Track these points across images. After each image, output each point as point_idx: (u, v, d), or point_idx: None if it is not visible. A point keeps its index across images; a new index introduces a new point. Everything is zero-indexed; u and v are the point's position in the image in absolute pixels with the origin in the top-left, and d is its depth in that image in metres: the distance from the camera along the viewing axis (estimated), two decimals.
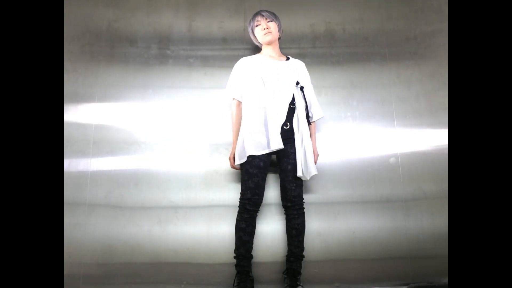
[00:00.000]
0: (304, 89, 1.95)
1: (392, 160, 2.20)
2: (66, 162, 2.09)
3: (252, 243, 1.81)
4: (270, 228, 2.02)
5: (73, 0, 2.35)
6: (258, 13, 2.03)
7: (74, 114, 2.18)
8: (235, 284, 1.74)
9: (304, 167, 1.80)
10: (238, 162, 1.87)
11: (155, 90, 2.25)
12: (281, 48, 2.11)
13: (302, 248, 1.83)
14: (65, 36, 2.26)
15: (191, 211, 2.06)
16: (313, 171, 1.80)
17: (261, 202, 1.83)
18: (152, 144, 2.15)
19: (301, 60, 2.11)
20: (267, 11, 2.03)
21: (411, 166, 2.19)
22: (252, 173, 1.79)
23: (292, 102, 1.89)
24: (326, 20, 2.43)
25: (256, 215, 1.83)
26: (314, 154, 1.91)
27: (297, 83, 1.93)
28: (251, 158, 1.80)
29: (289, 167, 1.83)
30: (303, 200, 1.86)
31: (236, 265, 1.78)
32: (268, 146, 1.79)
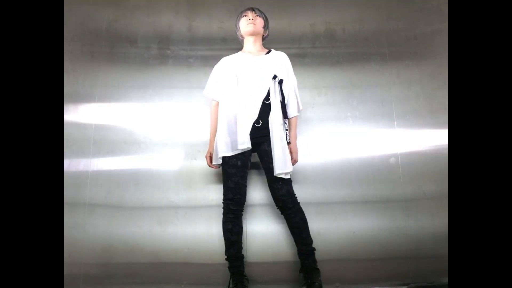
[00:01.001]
0: (282, 83, 1.87)
1: (392, 160, 2.20)
2: (66, 162, 2.09)
3: (241, 243, 1.80)
4: (264, 229, 2.02)
5: (73, 0, 2.36)
6: (248, 8, 2.03)
7: (74, 114, 2.18)
8: (231, 286, 1.72)
9: (282, 164, 1.72)
10: (214, 162, 1.89)
11: (155, 90, 2.25)
12: (281, 48, 2.09)
13: (309, 243, 1.79)
14: (65, 36, 2.26)
15: (191, 211, 2.06)
16: (286, 168, 1.72)
17: (244, 201, 1.81)
18: (152, 144, 2.15)
19: (301, 60, 2.10)
20: (258, 9, 2.04)
21: (411, 166, 2.19)
22: (231, 173, 1.77)
23: (267, 98, 1.83)
24: (326, 20, 2.43)
25: (241, 214, 1.81)
26: (292, 151, 1.83)
27: (275, 76, 1.86)
28: (227, 158, 1.79)
29: (271, 166, 1.76)
30: (295, 196, 1.80)
31: (230, 267, 1.77)
32: (235, 147, 1.77)
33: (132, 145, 2.15)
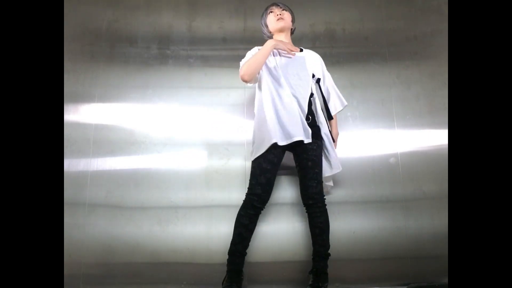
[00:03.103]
0: (320, 82, 1.92)
1: (392, 160, 2.20)
2: (66, 162, 2.09)
3: (249, 241, 1.76)
4: (264, 229, 2.01)
5: (73, 0, 2.36)
6: (272, 4, 2.00)
7: (74, 114, 2.18)
8: (225, 283, 1.66)
9: (328, 164, 1.83)
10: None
11: (155, 90, 2.25)
12: None
13: (328, 247, 1.77)
14: (65, 36, 2.26)
15: (191, 211, 2.06)
16: (339, 167, 1.83)
17: (268, 200, 1.77)
18: (152, 144, 2.15)
19: None
20: (283, 3, 2.00)
21: (411, 166, 2.19)
22: (266, 169, 1.72)
23: (312, 95, 1.86)
24: (326, 20, 2.43)
25: (260, 213, 1.77)
26: (334, 141, 1.93)
27: (313, 75, 1.90)
28: (265, 153, 1.72)
29: (310, 163, 1.76)
30: (324, 197, 1.81)
31: (230, 263, 1.70)
32: (291, 137, 1.70)
33: (132, 145, 2.15)
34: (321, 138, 1.84)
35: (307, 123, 1.78)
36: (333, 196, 2.10)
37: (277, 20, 1.93)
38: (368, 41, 2.40)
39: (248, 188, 1.76)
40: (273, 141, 1.69)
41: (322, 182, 1.81)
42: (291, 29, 2.03)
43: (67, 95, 2.17)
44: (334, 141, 1.93)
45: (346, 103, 2.01)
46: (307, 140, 1.74)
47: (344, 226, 2.06)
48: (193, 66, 2.30)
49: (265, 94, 1.81)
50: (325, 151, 1.85)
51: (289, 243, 2.01)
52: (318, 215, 1.76)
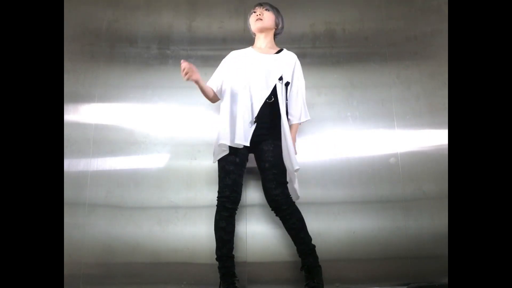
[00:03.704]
0: (288, 86, 1.87)
1: (392, 160, 2.20)
2: (66, 162, 2.09)
3: (233, 243, 1.76)
4: (264, 229, 2.01)
5: (73, 0, 2.36)
6: (256, 4, 2.00)
7: (74, 114, 2.18)
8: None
9: (290, 163, 1.73)
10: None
11: (155, 90, 2.25)
12: None
13: (308, 242, 1.75)
14: (65, 36, 2.25)
15: (191, 211, 2.06)
16: (295, 165, 1.72)
17: (240, 199, 1.78)
18: (152, 144, 2.15)
19: (301, 60, 2.08)
20: (267, 3, 1.99)
21: (411, 166, 2.19)
22: (229, 170, 1.74)
23: (270, 97, 1.81)
24: (326, 20, 2.43)
25: (235, 213, 1.77)
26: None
27: (281, 78, 1.85)
28: (225, 155, 1.74)
29: (266, 165, 1.76)
30: (290, 197, 1.77)
31: (221, 267, 1.70)
32: (233, 141, 1.71)
33: (132, 145, 2.15)
34: (279, 139, 1.78)
35: (256, 125, 1.76)
36: (333, 196, 2.10)
37: (255, 21, 1.94)
38: (368, 41, 2.40)
39: (217, 191, 1.77)
40: (221, 141, 1.72)
41: (283, 183, 1.77)
42: (275, 31, 2.00)
43: (67, 95, 2.17)
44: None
45: (309, 117, 1.93)
46: (245, 143, 1.72)
47: (344, 226, 2.06)
48: None
49: (224, 98, 1.85)
50: (285, 150, 1.75)
51: (288, 243, 2.00)
52: (287, 217, 1.74)
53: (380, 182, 2.15)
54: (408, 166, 2.18)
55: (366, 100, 2.29)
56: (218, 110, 2.21)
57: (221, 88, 1.90)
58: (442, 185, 2.13)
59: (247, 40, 2.27)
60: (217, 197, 1.77)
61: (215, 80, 1.93)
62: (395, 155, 2.21)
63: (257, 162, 1.85)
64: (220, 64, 1.99)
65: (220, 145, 1.74)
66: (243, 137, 1.71)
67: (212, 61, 2.30)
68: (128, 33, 2.35)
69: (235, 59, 1.95)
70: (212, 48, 2.34)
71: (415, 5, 2.49)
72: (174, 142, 2.17)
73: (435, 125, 2.26)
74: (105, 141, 2.15)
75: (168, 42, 2.34)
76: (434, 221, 2.09)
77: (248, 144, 1.74)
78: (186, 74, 1.69)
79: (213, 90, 1.89)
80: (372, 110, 2.27)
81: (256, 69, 1.86)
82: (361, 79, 2.33)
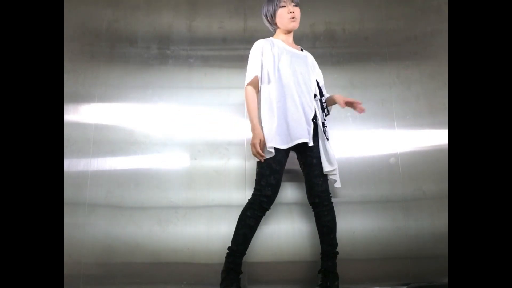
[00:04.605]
0: (318, 83, 1.91)
1: (392, 160, 2.20)
2: (66, 162, 2.09)
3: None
4: (264, 229, 2.00)
5: (73, 0, 2.35)
6: None
7: (74, 114, 2.18)
8: (224, 283, 1.63)
9: (328, 161, 1.76)
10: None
11: (155, 90, 2.25)
12: None
13: (335, 245, 1.76)
14: (65, 36, 2.26)
15: (191, 211, 2.06)
16: (335, 165, 1.77)
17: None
18: (152, 144, 2.15)
19: None
20: None
21: (411, 166, 2.19)
22: (275, 170, 1.68)
23: (315, 96, 1.84)
24: (326, 20, 2.43)
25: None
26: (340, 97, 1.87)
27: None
28: (276, 153, 1.68)
29: (314, 161, 1.76)
30: (331, 195, 1.81)
31: (231, 262, 1.66)
32: (290, 140, 1.68)
33: (132, 145, 2.15)
34: (320, 137, 1.81)
35: (314, 122, 1.77)
36: (333, 196, 2.10)
37: (290, 20, 1.84)
38: (368, 41, 2.40)
39: (255, 189, 1.72)
40: (274, 145, 1.66)
41: (327, 180, 1.80)
42: None
43: (67, 95, 2.17)
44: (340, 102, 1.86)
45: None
46: (310, 142, 1.72)
47: (344, 226, 2.06)
48: (193, 66, 2.30)
49: (269, 95, 1.76)
50: (323, 148, 1.79)
51: (289, 243, 2.01)
52: (325, 213, 1.75)
53: (380, 182, 2.15)
54: (408, 166, 2.19)
55: (366, 100, 2.28)
56: (218, 110, 2.22)
57: (261, 77, 1.79)
58: (442, 185, 2.13)
59: (247, 40, 2.27)
60: (255, 194, 1.70)
61: (257, 68, 1.78)
62: (395, 155, 2.21)
63: (301, 158, 1.83)
64: (256, 53, 1.81)
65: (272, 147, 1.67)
66: (308, 135, 1.72)
67: (212, 61, 2.30)
68: (128, 33, 2.35)
69: (274, 49, 1.81)
70: (212, 48, 2.34)
71: (415, 5, 2.49)
72: (174, 142, 2.17)
73: (435, 125, 2.26)
74: (105, 141, 2.15)
75: (168, 42, 2.34)
76: (434, 221, 2.09)
77: (311, 142, 1.72)
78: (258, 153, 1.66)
79: (254, 95, 1.78)
80: (372, 110, 2.27)
81: (302, 65, 1.85)
82: (361, 79, 2.33)
